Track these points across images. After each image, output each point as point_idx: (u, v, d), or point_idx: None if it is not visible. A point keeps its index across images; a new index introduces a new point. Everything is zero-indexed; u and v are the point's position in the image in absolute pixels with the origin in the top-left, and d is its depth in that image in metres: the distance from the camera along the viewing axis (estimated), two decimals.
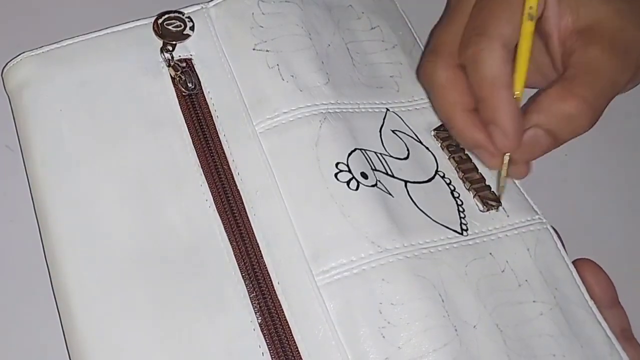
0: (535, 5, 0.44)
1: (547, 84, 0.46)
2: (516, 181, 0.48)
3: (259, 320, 0.41)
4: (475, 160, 0.48)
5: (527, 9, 0.44)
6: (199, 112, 0.46)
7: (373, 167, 0.45)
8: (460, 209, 0.46)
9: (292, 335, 0.41)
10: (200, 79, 0.47)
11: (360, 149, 0.45)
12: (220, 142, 0.45)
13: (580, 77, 0.44)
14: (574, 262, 0.46)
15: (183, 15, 0.48)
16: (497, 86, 0.43)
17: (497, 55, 0.43)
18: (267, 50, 0.47)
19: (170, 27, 0.47)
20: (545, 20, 0.46)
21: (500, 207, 0.47)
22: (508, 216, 0.47)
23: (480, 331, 0.41)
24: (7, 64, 0.47)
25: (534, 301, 0.43)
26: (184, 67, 0.47)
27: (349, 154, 0.45)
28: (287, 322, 0.41)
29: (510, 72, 0.44)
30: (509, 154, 0.44)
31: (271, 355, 0.40)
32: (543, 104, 0.44)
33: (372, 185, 0.44)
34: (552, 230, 0.46)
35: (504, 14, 0.44)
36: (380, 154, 0.46)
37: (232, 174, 0.45)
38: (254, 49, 0.47)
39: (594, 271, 0.45)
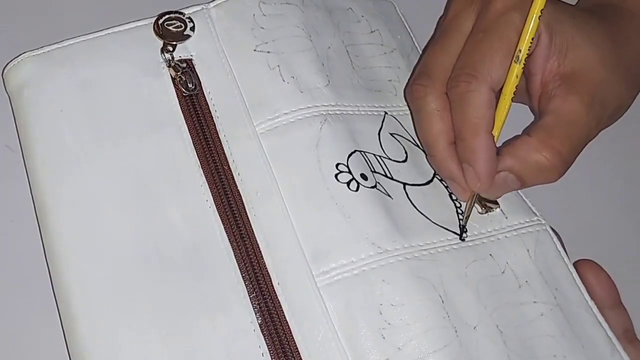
0: (524, 50, 0.44)
1: (521, 101, 0.49)
2: None
3: (259, 321, 0.41)
4: None
5: (517, 51, 0.45)
6: (199, 112, 0.46)
7: (372, 169, 0.45)
8: (459, 211, 0.46)
9: (292, 335, 0.41)
10: (201, 80, 0.47)
11: (360, 151, 0.46)
12: (221, 143, 0.45)
13: (559, 129, 0.45)
14: (575, 263, 0.46)
15: (183, 15, 0.48)
16: (478, 130, 0.44)
17: (483, 100, 0.44)
18: (268, 52, 0.47)
19: (170, 28, 0.47)
20: (532, 59, 0.46)
21: (498, 209, 0.47)
22: (506, 218, 0.47)
23: (480, 332, 0.41)
24: (7, 64, 0.47)
25: (534, 302, 0.43)
26: (184, 68, 0.47)
27: (349, 155, 0.45)
28: (287, 322, 0.41)
29: (493, 115, 0.45)
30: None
31: (271, 356, 0.40)
32: (519, 151, 0.45)
33: (372, 187, 0.44)
34: (551, 232, 0.46)
35: (497, 56, 0.45)
36: (379, 156, 0.46)
37: (232, 175, 0.45)
38: (254, 50, 0.47)
39: (595, 272, 0.45)
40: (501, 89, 0.46)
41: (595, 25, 0.47)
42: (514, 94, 0.46)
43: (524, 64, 0.45)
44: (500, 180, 0.45)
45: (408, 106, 0.49)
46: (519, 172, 0.45)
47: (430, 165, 0.48)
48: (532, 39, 0.45)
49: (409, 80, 0.51)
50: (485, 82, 0.44)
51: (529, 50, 0.45)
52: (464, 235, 0.45)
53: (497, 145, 0.46)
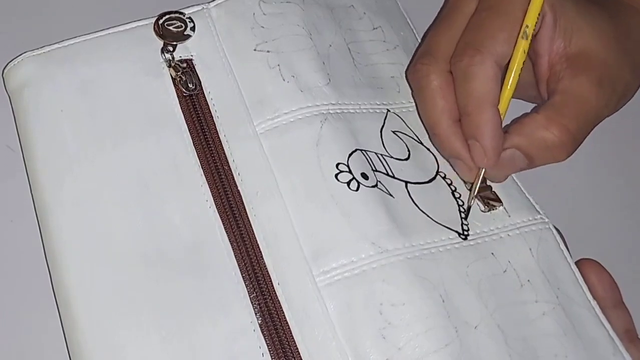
0: (532, 25, 0.44)
1: (525, 97, 0.49)
2: (517, 181, 0.48)
3: (259, 321, 0.41)
4: None
5: (524, 27, 0.44)
6: (199, 112, 0.46)
7: (374, 168, 0.45)
8: (462, 209, 0.46)
9: (292, 336, 0.41)
10: (201, 80, 0.47)
11: (361, 150, 0.45)
12: (221, 143, 0.45)
13: (568, 107, 0.44)
14: (577, 262, 0.46)
15: (184, 15, 0.48)
16: (483, 104, 0.44)
17: (488, 73, 0.44)
18: (268, 51, 0.47)
19: (171, 28, 0.47)
20: (538, 40, 0.46)
21: (501, 207, 0.46)
22: (509, 216, 0.46)
23: (481, 332, 0.41)
24: (8, 64, 0.47)
25: (536, 301, 0.43)
26: (184, 68, 0.47)
27: (350, 155, 0.45)
28: (287, 322, 0.41)
29: (498, 90, 0.44)
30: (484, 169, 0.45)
31: (271, 356, 0.40)
32: (527, 128, 0.45)
33: (373, 186, 0.44)
34: (554, 230, 0.46)
35: (502, 31, 0.45)
36: (381, 154, 0.46)
37: (232, 175, 0.45)
38: (254, 50, 0.47)
39: (597, 271, 0.45)
40: (507, 67, 0.45)
41: (597, 14, 0.47)
42: (519, 88, 0.45)
43: (530, 39, 0.45)
44: (507, 158, 0.45)
45: (410, 88, 0.49)
46: (527, 150, 0.45)
47: (435, 146, 0.47)
48: (538, 16, 0.44)
49: (410, 61, 0.51)
50: (489, 56, 0.44)
51: (534, 29, 0.44)
52: (466, 228, 0.45)
53: (504, 124, 0.45)
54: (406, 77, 0.50)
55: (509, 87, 0.45)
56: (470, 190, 0.46)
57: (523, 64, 0.45)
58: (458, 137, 0.45)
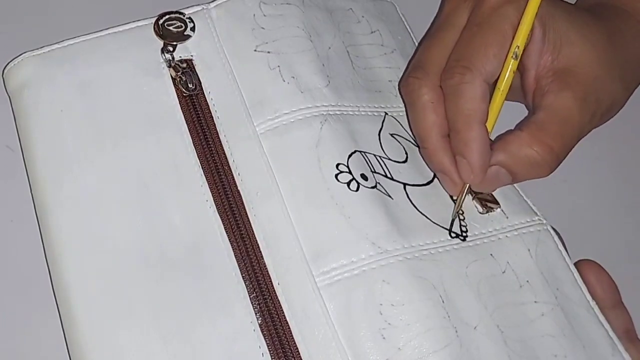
0: (522, 45, 0.45)
1: (515, 99, 0.49)
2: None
3: (259, 321, 0.41)
4: None
5: (514, 48, 0.45)
6: (199, 112, 0.46)
7: (372, 169, 0.45)
8: (460, 211, 0.46)
9: (292, 336, 0.41)
10: (201, 80, 0.47)
11: (360, 151, 0.46)
12: (221, 143, 0.45)
13: (551, 124, 0.45)
14: (576, 263, 0.46)
15: (184, 15, 0.48)
16: (472, 122, 0.44)
17: (478, 92, 0.44)
18: (268, 52, 0.47)
19: (171, 28, 0.47)
20: (526, 54, 0.46)
21: (498, 209, 0.47)
22: (507, 218, 0.47)
23: (480, 332, 0.41)
24: (8, 64, 0.47)
25: (535, 302, 0.43)
26: (184, 68, 0.47)
27: (349, 156, 0.45)
28: (287, 323, 0.41)
29: (487, 109, 0.45)
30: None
31: (271, 356, 0.40)
32: (511, 146, 0.45)
33: (372, 187, 0.44)
34: (552, 231, 0.46)
35: (492, 48, 0.45)
36: (380, 156, 0.46)
37: (232, 175, 0.45)
38: (255, 50, 0.47)
39: (596, 272, 0.45)
40: (495, 82, 0.46)
41: (591, 24, 0.48)
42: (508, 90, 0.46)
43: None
44: (492, 175, 0.45)
45: (402, 100, 0.49)
46: (511, 167, 0.45)
47: (424, 160, 0.48)
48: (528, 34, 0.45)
49: (403, 74, 0.51)
50: (480, 75, 0.44)
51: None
52: (454, 232, 0.45)
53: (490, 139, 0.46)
54: (399, 89, 0.50)
55: (496, 106, 0.46)
56: (454, 203, 0.47)
57: (511, 82, 0.45)
58: (446, 152, 0.45)
